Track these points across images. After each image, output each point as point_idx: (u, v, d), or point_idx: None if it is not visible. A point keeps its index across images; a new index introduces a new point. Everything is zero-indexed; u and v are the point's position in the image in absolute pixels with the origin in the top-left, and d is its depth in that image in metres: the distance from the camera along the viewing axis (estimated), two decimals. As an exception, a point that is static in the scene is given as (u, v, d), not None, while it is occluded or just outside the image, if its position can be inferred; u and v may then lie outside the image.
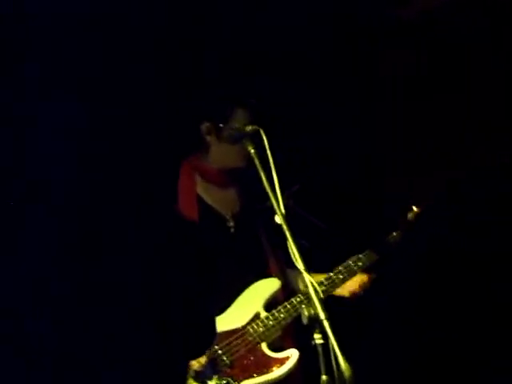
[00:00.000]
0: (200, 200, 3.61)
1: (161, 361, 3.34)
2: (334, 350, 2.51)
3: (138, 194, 3.65)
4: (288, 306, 3.51)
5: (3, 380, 3.37)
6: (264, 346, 3.47)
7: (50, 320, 3.48)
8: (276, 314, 3.50)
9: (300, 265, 2.74)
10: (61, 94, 3.63)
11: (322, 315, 2.59)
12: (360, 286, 3.74)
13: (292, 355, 3.46)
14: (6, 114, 3.51)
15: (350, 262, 3.68)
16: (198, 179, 3.65)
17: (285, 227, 2.82)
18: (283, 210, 2.88)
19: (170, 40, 4.00)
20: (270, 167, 2.94)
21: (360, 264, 3.68)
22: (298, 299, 3.51)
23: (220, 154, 3.60)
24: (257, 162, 3.02)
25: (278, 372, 3.43)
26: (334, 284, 3.63)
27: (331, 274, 3.63)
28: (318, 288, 2.67)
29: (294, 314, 3.48)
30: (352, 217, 4.50)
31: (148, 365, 3.36)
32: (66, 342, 3.49)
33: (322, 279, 3.59)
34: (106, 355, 3.49)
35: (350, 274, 3.67)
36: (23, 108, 3.54)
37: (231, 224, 3.63)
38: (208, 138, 3.61)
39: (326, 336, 2.55)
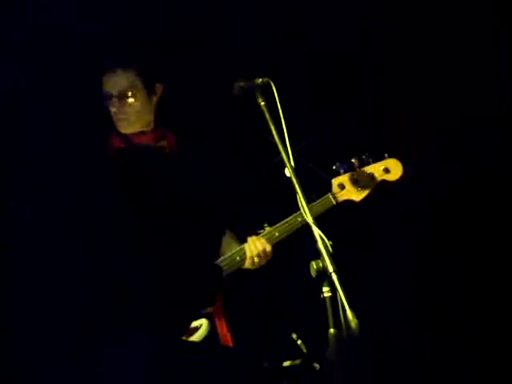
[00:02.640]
0: None
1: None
2: (342, 303, 2.52)
3: None
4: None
5: None
6: None
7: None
8: None
9: (309, 218, 2.74)
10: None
11: (330, 268, 2.59)
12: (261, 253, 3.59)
13: (201, 325, 3.44)
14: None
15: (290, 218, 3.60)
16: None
17: (294, 180, 2.82)
18: (293, 164, 2.87)
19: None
20: (280, 120, 2.93)
21: (300, 220, 3.56)
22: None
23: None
24: (267, 115, 2.99)
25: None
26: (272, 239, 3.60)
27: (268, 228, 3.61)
28: (327, 241, 2.67)
29: None
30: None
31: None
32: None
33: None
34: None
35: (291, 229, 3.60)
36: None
37: None
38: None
39: (335, 289, 2.56)
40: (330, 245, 2.68)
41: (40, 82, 3.77)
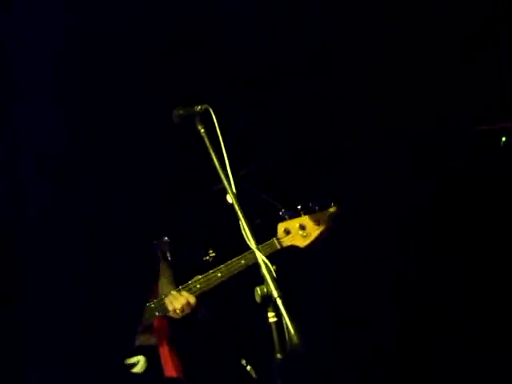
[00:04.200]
0: None
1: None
2: (287, 328, 2.52)
3: None
4: None
5: None
6: None
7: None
8: None
9: (252, 244, 2.74)
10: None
11: (275, 293, 2.59)
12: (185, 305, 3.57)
13: (138, 361, 3.46)
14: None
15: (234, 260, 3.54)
16: None
17: (236, 206, 2.82)
18: (234, 190, 2.87)
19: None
20: (219, 147, 2.93)
21: (243, 262, 3.51)
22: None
23: None
24: (207, 141, 3.00)
25: None
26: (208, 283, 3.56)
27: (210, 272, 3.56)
28: (270, 267, 2.67)
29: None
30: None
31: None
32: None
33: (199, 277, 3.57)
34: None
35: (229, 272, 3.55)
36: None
37: None
38: None
39: (280, 314, 2.56)
40: (274, 270, 2.68)
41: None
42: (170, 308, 3.49)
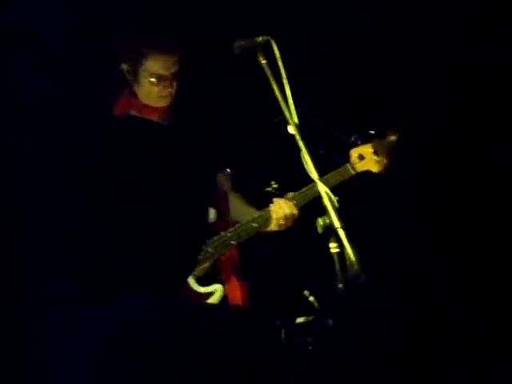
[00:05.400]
0: None
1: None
2: (349, 258, 2.53)
3: None
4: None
5: None
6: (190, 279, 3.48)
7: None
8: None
9: (314, 174, 2.74)
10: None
11: (336, 224, 2.60)
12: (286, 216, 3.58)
13: (216, 290, 3.48)
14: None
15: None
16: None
17: (298, 137, 2.81)
18: (296, 120, 2.86)
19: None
20: (281, 78, 2.91)
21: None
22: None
23: (143, 94, 3.63)
24: (268, 72, 2.98)
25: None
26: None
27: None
28: (332, 197, 2.67)
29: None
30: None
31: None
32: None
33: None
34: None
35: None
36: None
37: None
38: (129, 77, 3.63)
39: (342, 245, 2.57)
40: (337, 200, 2.68)
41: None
42: (275, 216, 3.52)
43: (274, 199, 3.53)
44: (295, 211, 3.51)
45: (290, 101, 2.88)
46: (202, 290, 3.44)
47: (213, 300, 3.42)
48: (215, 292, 3.43)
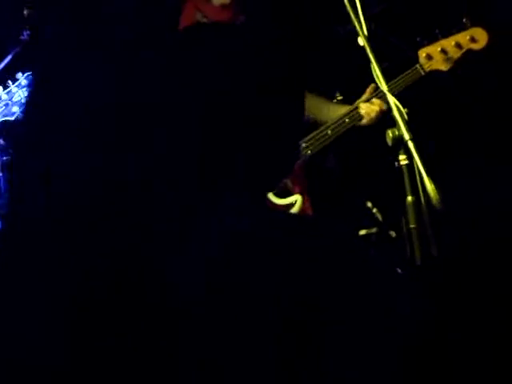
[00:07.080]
0: None
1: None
2: (419, 171, 2.53)
3: None
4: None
5: None
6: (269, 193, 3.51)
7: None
8: None
9: (383, 86, 2.73)
10: None
11: (406, 136, 2.59)
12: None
13: (296, 201, 3.50)
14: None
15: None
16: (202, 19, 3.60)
17: (368, 49, 2.78)
18: (366, 32, 2.83)
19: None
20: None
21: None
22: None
23: None
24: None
25: None
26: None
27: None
28: (402, 109, 2.66)
29: None
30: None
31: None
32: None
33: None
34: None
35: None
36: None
37: None
38: None
39: (411, 157, 2.56)
40: (406, 112, 2.67)
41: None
42: (367, 110, 3.57)
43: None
44: (384, 106, 3.54)
45: (360, 12, 2.85)
46: (283, 201, 3.49)
47: (294, 210, 3.47)
48: (295, 203, 3.47)
